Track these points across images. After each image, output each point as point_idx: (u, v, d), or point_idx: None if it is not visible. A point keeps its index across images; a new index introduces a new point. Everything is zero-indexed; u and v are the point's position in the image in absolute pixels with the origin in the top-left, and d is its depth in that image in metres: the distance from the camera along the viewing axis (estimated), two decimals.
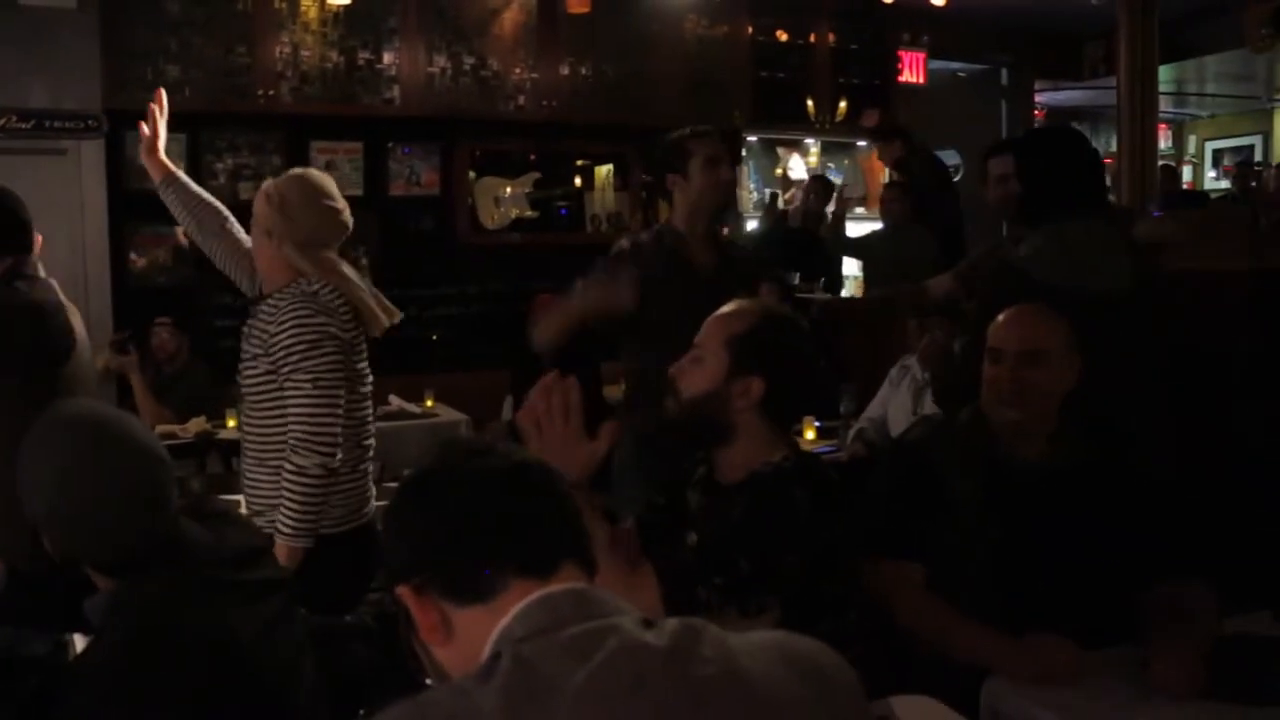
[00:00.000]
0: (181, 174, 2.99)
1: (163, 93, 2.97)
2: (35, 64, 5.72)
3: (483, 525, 1.13)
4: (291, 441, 2.55)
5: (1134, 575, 2.18)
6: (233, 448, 4.99)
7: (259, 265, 2.80)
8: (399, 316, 2.84)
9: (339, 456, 2.59)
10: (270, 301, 2.67)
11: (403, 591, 1.14)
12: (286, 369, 2.56)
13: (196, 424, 5.13)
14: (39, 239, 2.92)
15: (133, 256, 6.16)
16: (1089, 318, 2.42)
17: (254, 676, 1.65)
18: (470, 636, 1.11)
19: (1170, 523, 2.24)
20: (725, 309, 2.03)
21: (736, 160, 7.88)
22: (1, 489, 1.79)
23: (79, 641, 2.59)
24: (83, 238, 5.92)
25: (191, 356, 5.68)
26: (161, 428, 5.07)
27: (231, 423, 5.11)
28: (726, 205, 3.43)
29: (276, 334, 2.58)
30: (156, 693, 1.54)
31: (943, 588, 2.21)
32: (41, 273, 2.90)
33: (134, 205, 6.02)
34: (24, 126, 5.71)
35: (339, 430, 2.58)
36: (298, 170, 2.81)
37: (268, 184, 2.75)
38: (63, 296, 2.93)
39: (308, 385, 2.55)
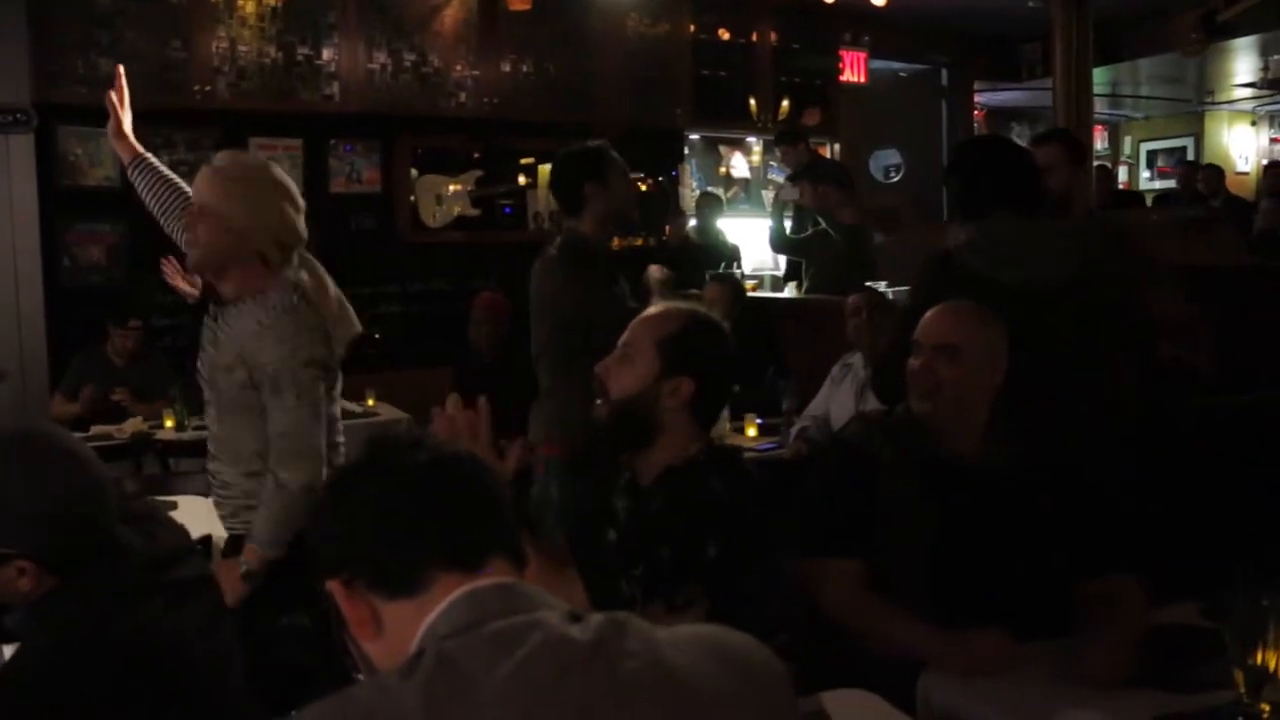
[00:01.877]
0: (150, 156, 2.92)
1: (121, 70, 2.91)
2: None
3: (409, 518, 1.13)
4: (276, 456, 2.50)
5: (1067, 570, 2.22)
6: (170, 448, 4.95)
7: (216, 275, 2.63)
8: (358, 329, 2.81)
9: (325, 472, 2.52)
10: (245, 308, 2.55)
11: (332, 586, 1.14)
12: (271, 388, 2.49)
13: (133, 424, 5.05)
14: None
15: (66, 255, 6.03)
16: (1020, 310, 2.46)
17: (187, 676, 1.64)
18: (399, 630, 1.10)
19: (1101, 517, 2.28)
20: (654, 310, 2.07)
21: (679, 159, 7.91)
22: None
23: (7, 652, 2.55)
24: (12, 236, 5.77)
25: (147, 348, 5.63)
26: (96, 428, 5.00)
27: (169, 423, 5.04)
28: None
29: (261, 351, 2.49)
30: (89, 694, 1.53)
31: (879, 583, 2.23)
32: None
33: (67, 202, 5.91)
34: None
35: (323, 445, 2.54)
36: (251, 156, 2.71)
37: (217, 168, 2.57)
38: None
39: (292, 403, 2.48)
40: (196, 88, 6.16)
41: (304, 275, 2.67)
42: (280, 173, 2.64)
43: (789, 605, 1.95)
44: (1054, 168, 3.38)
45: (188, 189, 2.79)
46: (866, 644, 2.16)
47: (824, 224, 6.46)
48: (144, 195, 2.90)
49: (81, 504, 1.63)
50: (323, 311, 2.66)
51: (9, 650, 2.53)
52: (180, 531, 1.91)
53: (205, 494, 2.91)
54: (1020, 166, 3.01)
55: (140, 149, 2.91)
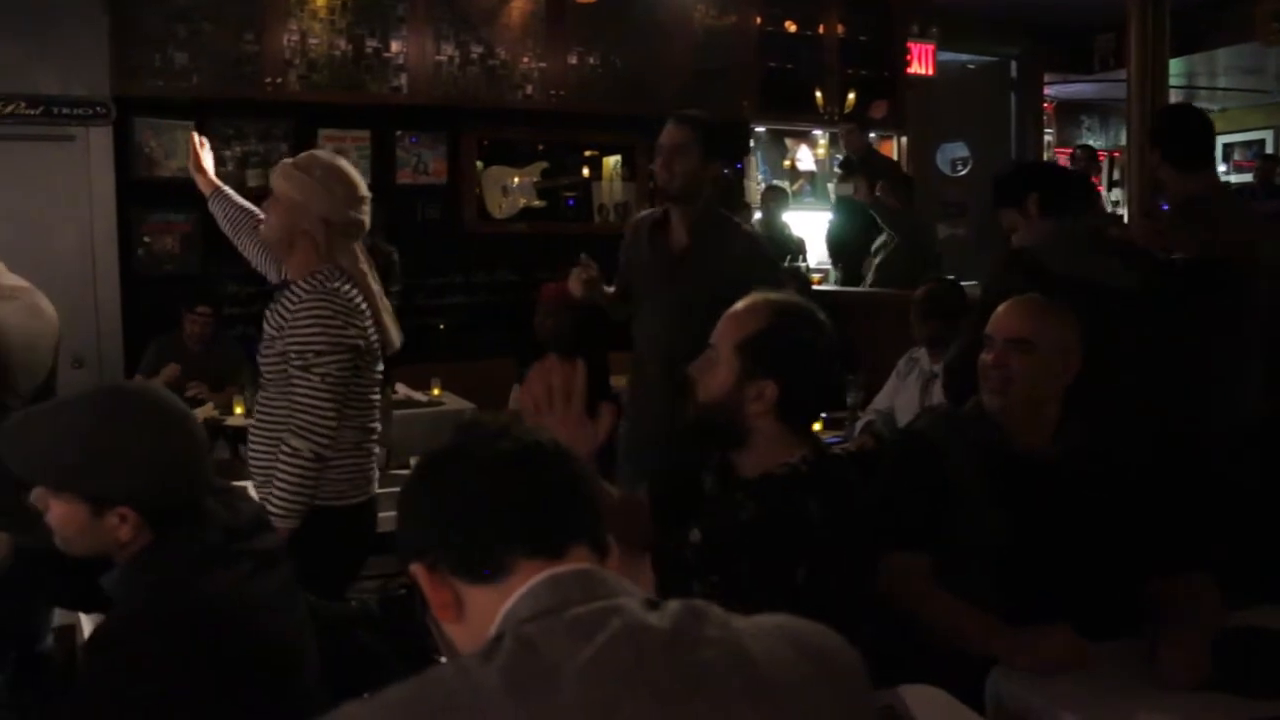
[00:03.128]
0: (225, 188, 3.23)
1: (202, 141, 3.30)
2: (44, 50, 5.71)
3: (494, 505, 1.14)
4: (291, 426, 2.60)
5: (1138, 567, 2.19)
6: (240, 434, 5.03)
7: (279, 255, 2.87)
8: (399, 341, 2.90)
9: (332, 447, 2.63)
10: (294, 288, 2.69)
11: (416, 569, 1.15)
12: (298, 363, 2.60)
13: (204, 411, 5.15)
14: None
15: (141, 244, 6.16)
16: (1098, 309, 2.43)
17: (267, 643, 1.67)
18: (481, 615, 1.12)
19: (1175, 515, 2.24)
20: (738, 307, 1.96)
21: (745, 151, 7.88)
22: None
23: (85, 623, 2.62)
24: (90, 225, 5.91)
25: (219, 334, 5.74)
26: None
27: (239, 409, 5.13)
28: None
29: (295, 325, 2.62)
30: (177, 657, 1.56)
31: (948, 578, 2.21)
32: None
33: (142, 193, 6.03)
34: (32, 113, 5.70)
35: (335, 424, 2.63)
36: (324, 151, 2.87)
37: (289, 161, 2.78)
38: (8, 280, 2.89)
39: (316, 380, 2.59)
40: (268, 80, 6.25)
41: (370, 277, 2.78)
42: (342, 164, 2.79)
43: (874, 616, 1.89)
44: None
45: (255, 209, 3.09)
46: (934, 639, 2.14)
47: (878, 219, 6.44)
48: (222, 222, 3.21)
49: (183, 459, 1.70)
50: (373, 313, 2.76)
51: (86, 621, 2.62)
52: (257, 506, 1.96)
53: None
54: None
55: (218, 183, 3.24)
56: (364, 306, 2.71)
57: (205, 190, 3.25)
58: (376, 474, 2.86)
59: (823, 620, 1.14)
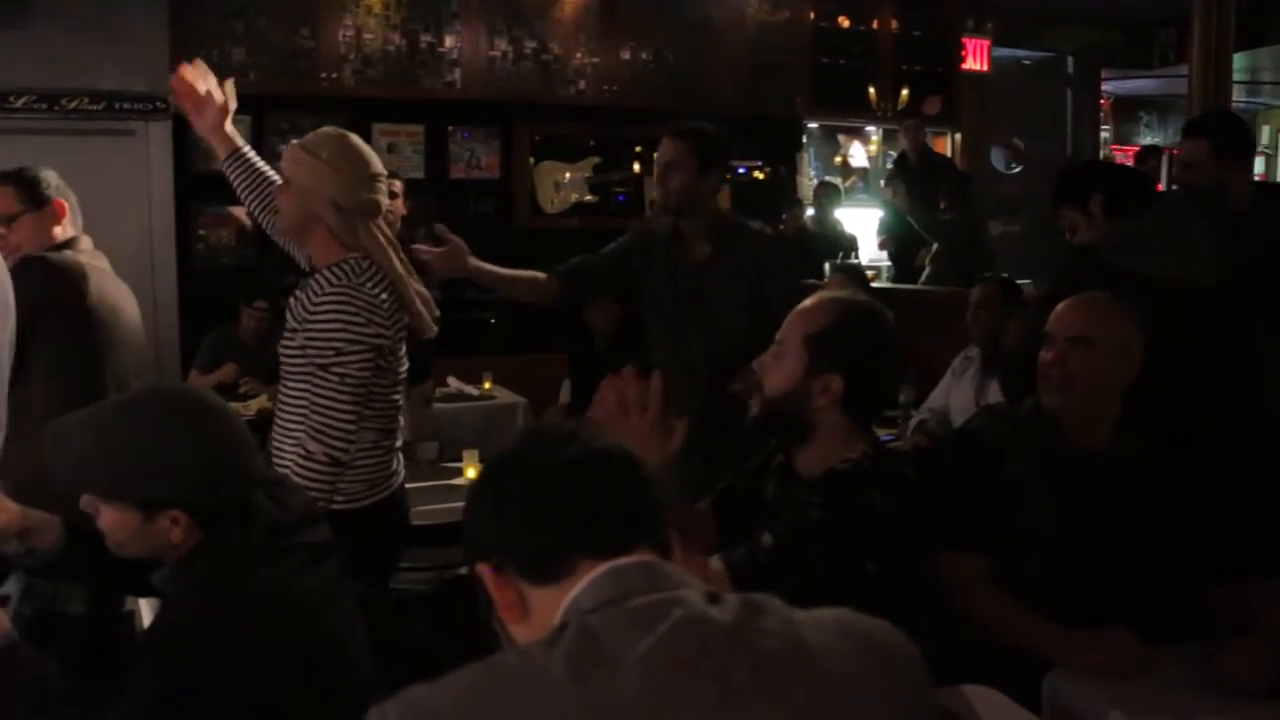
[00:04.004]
0: (247, 151, 2.90)
1: (231, 83, 2.91)
2: (106, 47, 5.81)
3: (561, 509, 1.16)
4: (307, 428, 2.48)
5: (1201, 571, 2.15)
6: None
7: (297, 243, 2.75)
8: (436, 321, 2.74)
9: (351, 450, 2.50)
10: (318, 278, 2.55)
11: (482, 570, 1.17)
12: (319, 361, 2.48)
13: (259, 402, 5.21)
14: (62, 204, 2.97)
15: (198, 237, 6.25)
16: (1162, 307, 2.39)
17: (317, 637, 1.69)
18: (545, 613, 1.13)
19: (1240, 519, 2.20)
20: (806, 303, 1.97)
21: (797, 147, 7.84)
22: None
23: (145, 610, 2.65)
24: (149, 218, 6.01)
25: (274, 328, 5.80)
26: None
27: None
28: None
29: (315, 321, 2.49)
30: (229, 656, 1.58)
31: (1005, 579, 2.18)
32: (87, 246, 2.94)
33: (199, 186, 6.11)
34: (95, 108, 5.80)
35: (353, 426, 2.49)
36: (333, 129, 2.64)
37: (298, 142, 2.60)
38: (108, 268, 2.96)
39: (335, 380, 2.46)
40: (323, 75, 6.31)
41: (395, 261, 2.62)
42: (352, 141, 2.60)
43: (935, 615, 1.89)
44: (1198, 164, 3.26)
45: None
46: (989, 639, 2.12)
47: (915, 225, 6.44)
48: (241, 192, 2.89)
49: (232, 459, 1.71)
50: (400, 299, 2.62)
51: (144, 604, 2.65)
52: (306, 498, 1.97)
53: None
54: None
55: (239, 144, 2.89)
56: (386, 300, 2.54)
57: (222, 152, 2.88)
58: (399, 467, 2.75)
59: (889, 616, 1.14)
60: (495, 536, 1.17)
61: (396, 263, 2.62)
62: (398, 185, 4.80)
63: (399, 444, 2.77)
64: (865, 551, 1.79)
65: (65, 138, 5.67)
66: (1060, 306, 2.33)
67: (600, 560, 1.12)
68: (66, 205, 2.99)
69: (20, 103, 5.62)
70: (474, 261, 3.17)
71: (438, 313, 2.73)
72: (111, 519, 1.68)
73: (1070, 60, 9.84)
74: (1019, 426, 2.33)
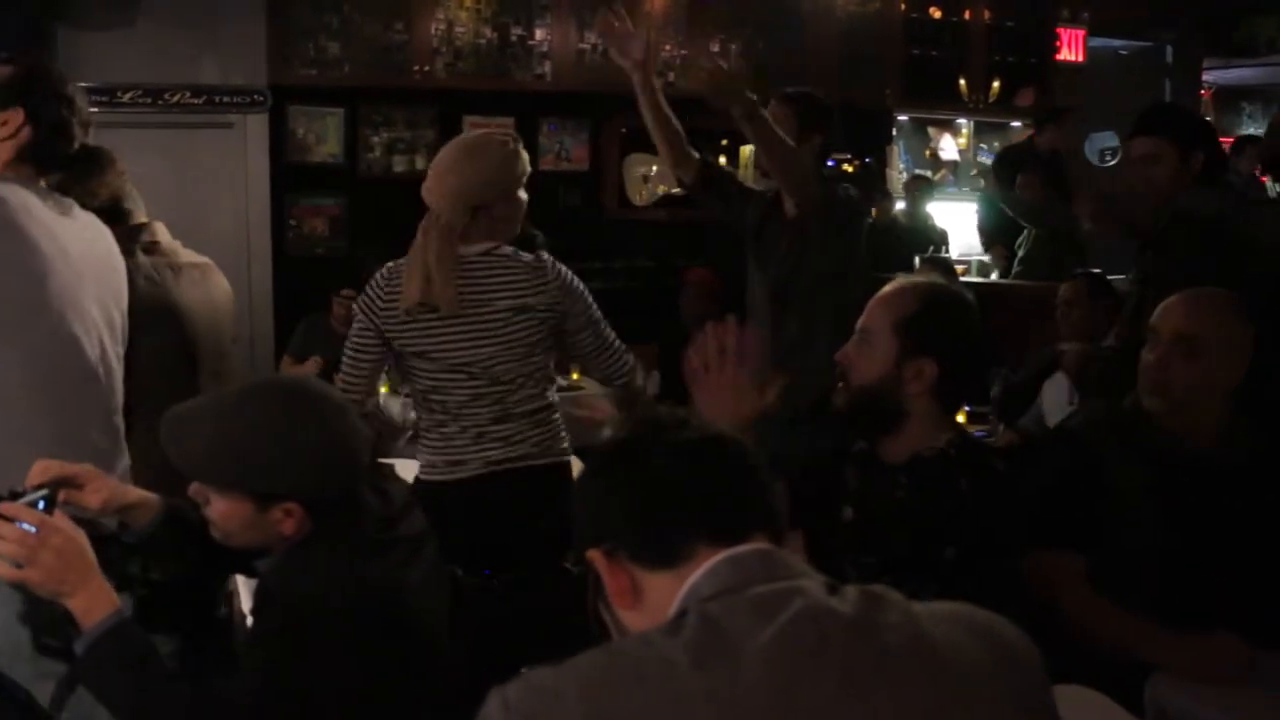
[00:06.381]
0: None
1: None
2: (206, 42, 5.95)
3: (679, 494, 1.15)
4: None
5: None
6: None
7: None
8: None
9: (366, 403, 2.69)
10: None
11: (594, 555, 1.17)
12: None
13: None
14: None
15: (290, 227, 6.36)
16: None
17: (421, 629, 1.71)
18: (658, 601, 1.13)
19: None
20: (890, 288, 1.95)
21: (887, 140, 7.75)
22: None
23: (243, 589, 2.71)
24: (247, 208, 6.14)
25: None
26: None
27: (384, 388, 5.25)
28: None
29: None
30: (338, 648, 1.60)
31: (1104, 580, 2.14)
32: (160, 237, 2.90)
33: (294, 178, 6.23)
34: (195, 102, 5.94)
35: (349, 386, 2.66)
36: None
37: None
38: (182, 259, 2.94)
39: None
40: (415, 68, 6.38)
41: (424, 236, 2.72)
42: (470, 139, 2.84)
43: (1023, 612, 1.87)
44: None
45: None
46: (1090, 641, 2.08)
47: (1012, 213, 6.31)
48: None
49: (347, 452, 1.71)
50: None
51: (244, 587, 2.70)
52: (405, 487, 1.99)
53: (415, 456, 3.02)
54: None
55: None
56: (395, 279, 2.70)
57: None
58: (480, 455, 2.75)
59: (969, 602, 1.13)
60: (610, 522, 1.18)
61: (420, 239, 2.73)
62: None
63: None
64: (946, 536, 1.77)
65: (168, 131, 5.81)
66: (1168, 301, 2.27)
67: (717, 547, 1.12)
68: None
69: (126, 97, 5.78)
70: (650, 64, 3.48)
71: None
72: (223, 509, 1.69)
73: (1169, 50, 9.59)
74: (1121, 425, 2.28)
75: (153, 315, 2.72)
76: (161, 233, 2.92)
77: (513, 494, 2.73)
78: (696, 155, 3.73)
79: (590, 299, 2.89)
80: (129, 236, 2.73)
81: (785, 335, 3.49)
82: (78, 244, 2.12)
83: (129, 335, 2.61)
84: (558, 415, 2.91)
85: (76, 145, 2.16)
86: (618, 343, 2.95)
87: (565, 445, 2.88)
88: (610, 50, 3.41)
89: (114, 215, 2.76)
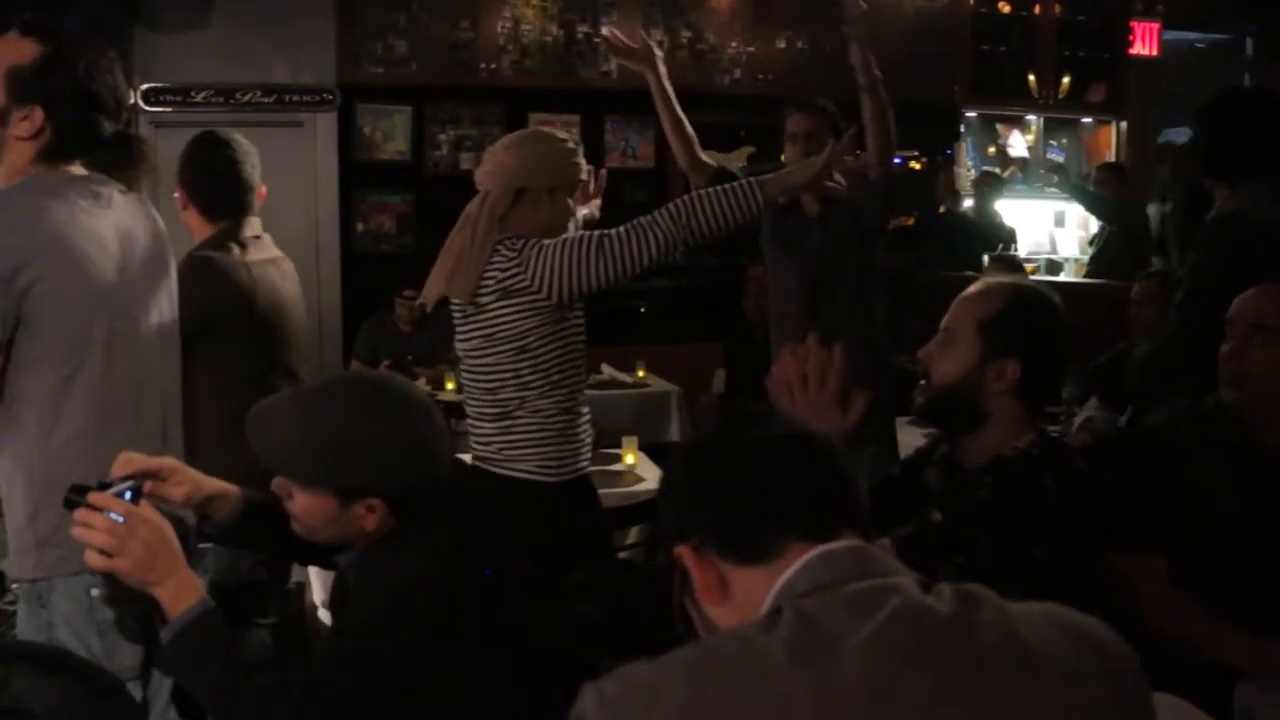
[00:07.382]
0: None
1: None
2: (277, 41, 6.05)
3: (769, 488, 1.14)
4: None
5: None
6: (451, 410, 5.18)
7: None
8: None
9: None
10: None
11: (681, 550, 1.15)
12: None
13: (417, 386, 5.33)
14: (262, 191, 2.96)
15: (359, 224, 6.44)
16: None
17: (495, 626, 1.71)
18: (746, 596, 1.11)
19: None
20: (974, 288, 1.93)
21: (955, 136, 7.66)
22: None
23: (314, 579, 2.73)
24: (316, 206, 6.23)
25: (430, 315, 5.93)
26: None
27: (450, 385, 5.30)
28: None
29: None
30: (422, 643, 1.60)
31: (1186, 582, 2.09)
32: (252, 232, 2.90)
33: (361, 175, 6.30)
34: (266, 100, 6.04)
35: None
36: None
37: None
38: (273, 253, 2.96)
39: None
40: (482, 66, 6.44)
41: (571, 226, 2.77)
42: (532, 129, 2.83)
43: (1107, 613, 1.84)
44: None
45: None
46: (1174, 646, 2.03)
47: (1087, 208, 6.22)
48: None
49: (430, 450, 1.71)
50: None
51: (315, 578, 2.72)
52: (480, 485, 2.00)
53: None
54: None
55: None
56: None
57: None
58: (572, 453, 2.65)
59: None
60: (697, 516, 1.16)
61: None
62: None
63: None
64: (1033, 536, 1.74)
65: (239, 129, 5.87)
66: (1246, 293, 2.22)
67: (809, 543, 1.10)
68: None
69: (200, 97, 5.89)
70: (663, 70, 3.45)
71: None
72: (305, 504, 1.68)
73: (1249, 42, 9.37)
74: (1203, 422, 2.23)
75: (251, 310, 2.78)
76: (259, 227, 2.94)
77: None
78: (713, 164, 3.75)
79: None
80: (233, 230, 2.80)
81: (819, 326, 3.43)
82: (115, 235, 2.02)
83: (223, 331, 2.67)
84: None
85: (109, 132, 2.03)
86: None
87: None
88: (624, 63, 3.48)
89: (239, 206, 2.87)
